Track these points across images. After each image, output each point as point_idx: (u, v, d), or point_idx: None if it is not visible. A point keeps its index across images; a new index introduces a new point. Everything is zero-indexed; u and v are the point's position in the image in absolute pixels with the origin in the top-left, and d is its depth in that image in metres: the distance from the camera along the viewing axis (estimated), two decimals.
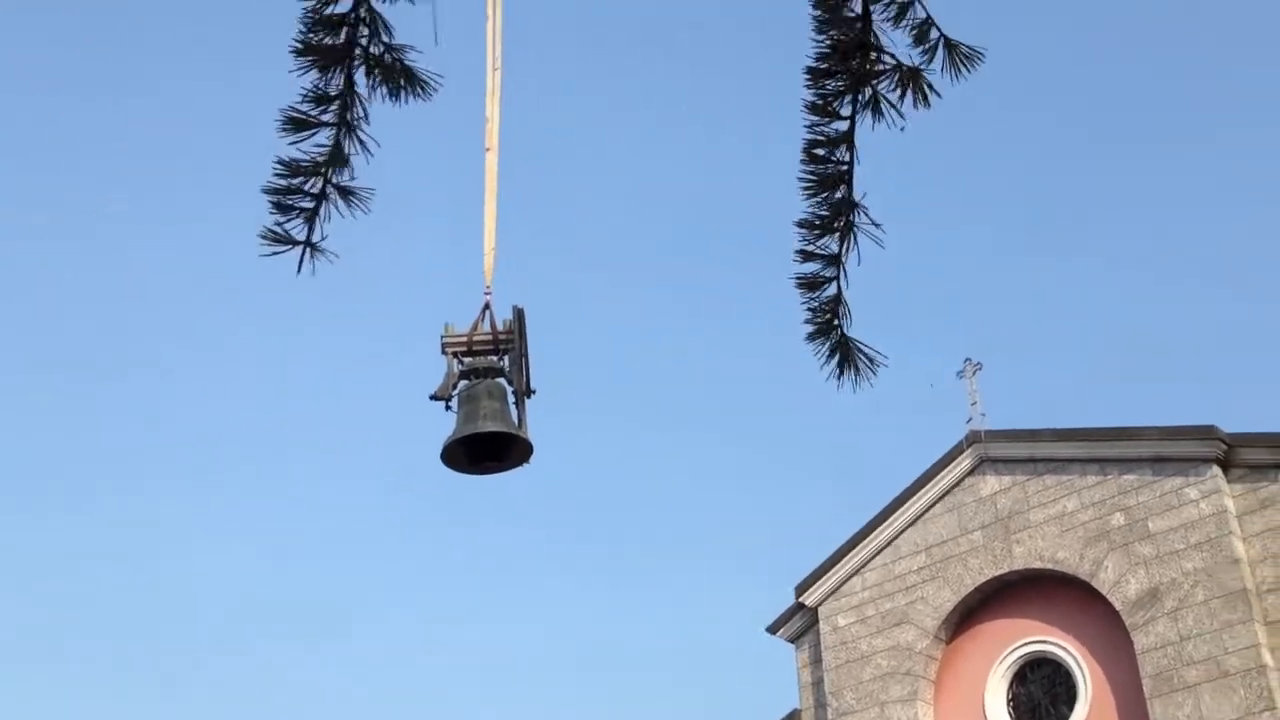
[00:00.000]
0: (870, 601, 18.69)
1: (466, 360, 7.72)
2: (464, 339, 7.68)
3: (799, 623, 19.50)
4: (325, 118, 4.30)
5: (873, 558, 18.88)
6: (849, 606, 18.87)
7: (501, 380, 7.69)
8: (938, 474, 18.58)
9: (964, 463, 18.39)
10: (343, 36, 4.36)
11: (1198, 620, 15.56)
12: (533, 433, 8.08)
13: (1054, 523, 17.23)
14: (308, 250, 4.37)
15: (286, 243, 4.27)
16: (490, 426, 7.53)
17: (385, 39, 4.40)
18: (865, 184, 4.36)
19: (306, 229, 4.30)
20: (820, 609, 19.10)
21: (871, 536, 18.95)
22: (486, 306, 7.86)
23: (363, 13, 4.31)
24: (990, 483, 18.16)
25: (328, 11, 4.27)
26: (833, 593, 19.07)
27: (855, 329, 4.48)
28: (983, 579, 17.67)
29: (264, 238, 4.25)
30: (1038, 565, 17.21)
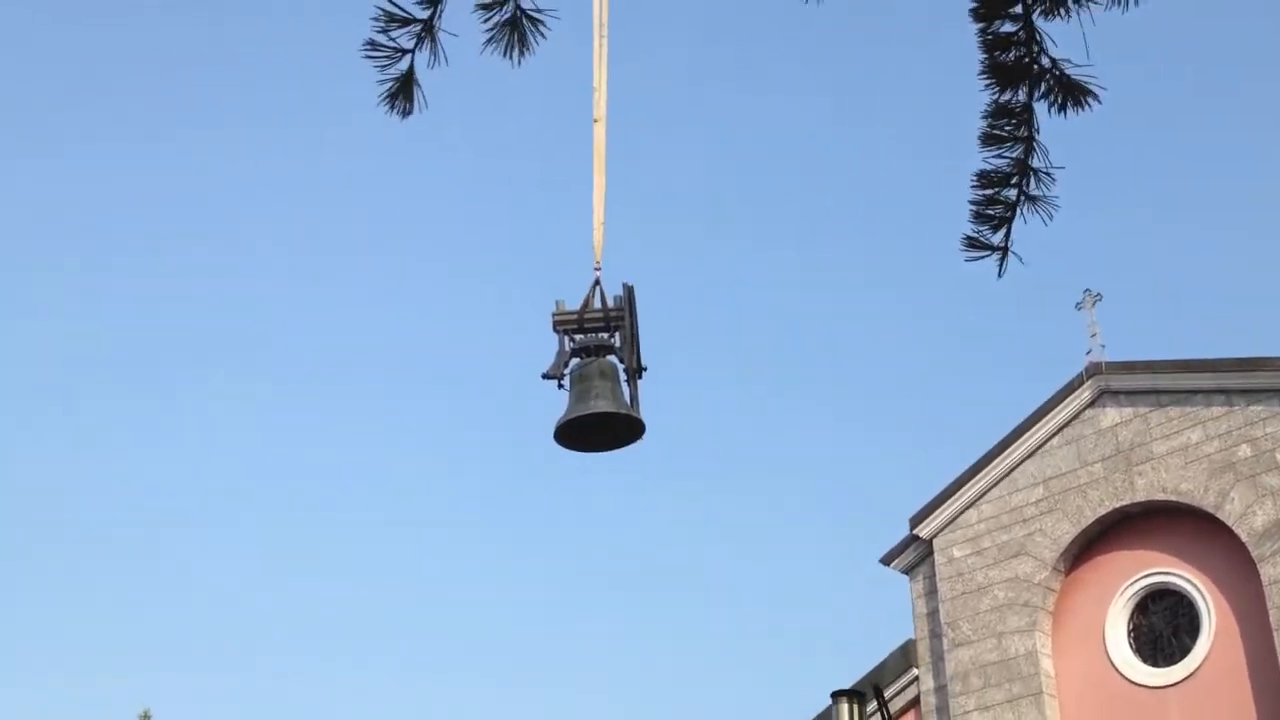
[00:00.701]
0: (986, 534, 18.74)
1: (578, 338, 7.73)
2: (575, 316, 7.67)
3: (913, 554, 19.59)
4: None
5: (989, 490, 18.89)
6: (964, 539, 18.93)
7: (613, 358, 7.72)
8: (1056, 406, 18.52)
9: (1083, 395, 18.31)
10: None
11: None
12: (644, 406, 8.13)
13: (1177, 455, 17.14)
14: (1004, 255, 4.72)
15: (985, 249, 4.57)
16: (602, 406, 7.57)
17: None
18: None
19: (1003, 236, 4.58)
20: (935, 540, 19.18)
21: (988, 469, 18.94)
22: (597, 283, 7.83)
23: None
24: (1110, 415, 18.07)
25: None
26: (948, 525, 19.12)
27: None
28: (1103, 511, 17.64)
29: (964, 246, 4.58)
30: (1160, 497, 17.16)
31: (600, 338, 7.71)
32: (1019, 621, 17.91)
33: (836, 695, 5.84)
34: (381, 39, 4.67)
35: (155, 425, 66.46)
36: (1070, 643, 17.63)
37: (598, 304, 7.78)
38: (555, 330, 7.75)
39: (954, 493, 19.19)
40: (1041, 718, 17.14)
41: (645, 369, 7.93)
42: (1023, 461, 18.73)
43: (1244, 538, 16.18)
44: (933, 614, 19.06)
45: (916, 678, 18.96)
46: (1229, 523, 16.38)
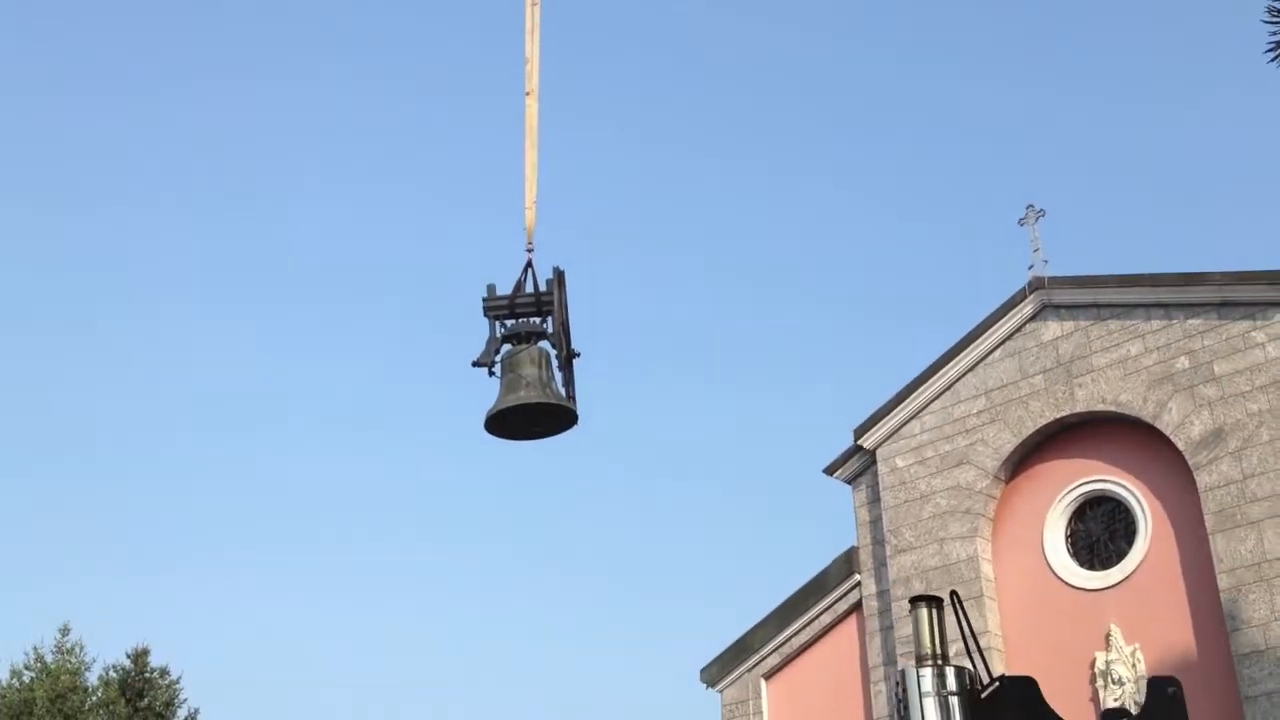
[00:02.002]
0: (929, 444, 19.16)
1: (509, 324, 7.57)
2: (506, 301, 7.53)
3: (856, 464, 19.98)
4: None
5: (931, 401, 19.30)
6: (908, 448, 19.34)
7: (545, 344, 7.55)
8: (999, 320, 18.91)
9: (1026, 308, 18.71)
10: None
11: (1262, 459, 16.08)
12: (580, 385, 7.88)
13: (1117, 367, 17.64)
14: None
15: None
16: (531, 397, 7.38)
17: None
18: None
19: None
20: (878, 451, 19.57)
21: (931, 381, 19.34)
22: (529, 265, 7.61)
23: None
24: (1052, 328, 18.51)
25: None
26: (891, 435, 19.52)
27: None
28: (1043, 421, 18.12)
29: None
30: (1100, 408, 17.66)
31: (531, 323, 7.53)
32: (960, 528, 18.40)
33: (915, 600, 5.90)
34: None
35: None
36: (1010, 548, 18.17)
37: (529, 288, 7.57)
38: (486, 315, 7.55)
39: (897, 404, 19.57)
40: (982, 620, 17.68)
41: (578, 354, 7.75)
42: (965, 374, 19.13)
43: (1181, 446, 16.74)
44: (875, 522, 19.50)
45: (859, 583, 19.43)
46: (1167, 432, 16.93)
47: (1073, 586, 17.28)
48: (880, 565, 19.16)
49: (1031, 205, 19.26)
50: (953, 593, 6.68)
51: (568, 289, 7.72)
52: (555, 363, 7.64)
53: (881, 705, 18.45)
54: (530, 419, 7.62)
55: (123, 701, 36.32)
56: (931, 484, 18.90)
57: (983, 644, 17.44)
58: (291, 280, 64.85)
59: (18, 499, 60.71)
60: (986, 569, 18.12)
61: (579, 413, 7.67)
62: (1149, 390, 17.25)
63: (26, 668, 36.28)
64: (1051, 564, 17.61)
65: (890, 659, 18.53)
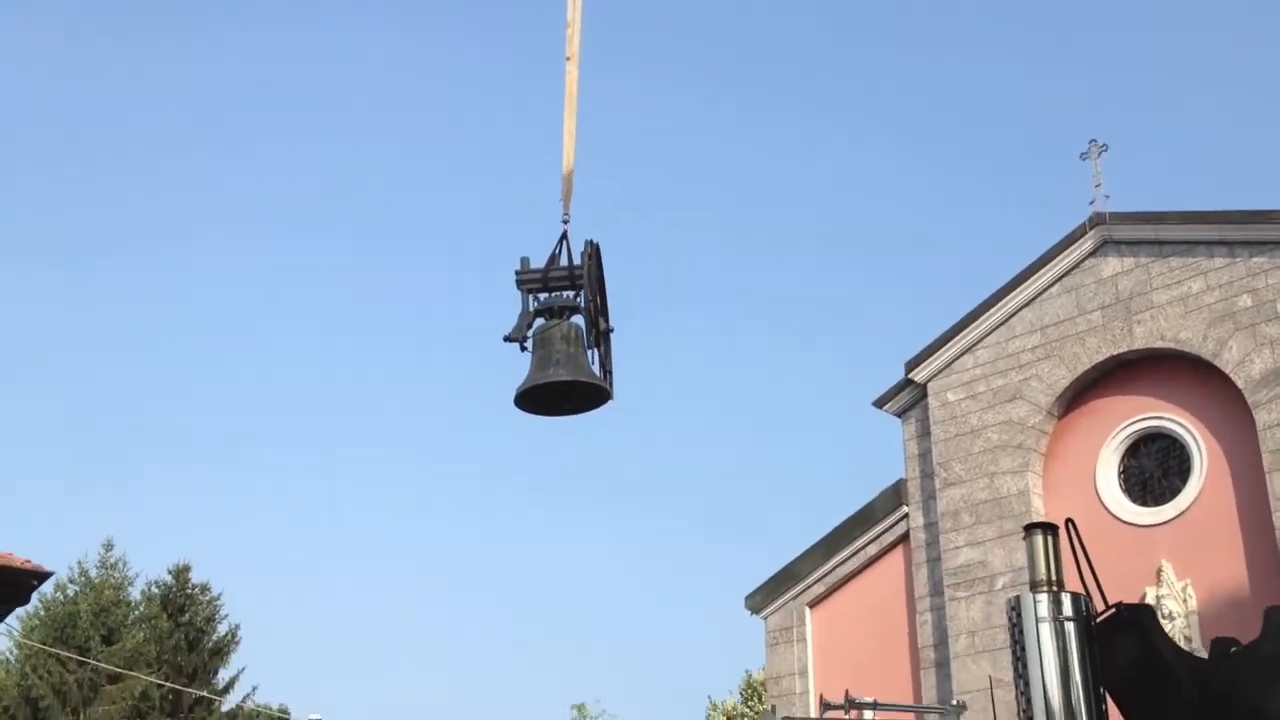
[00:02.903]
0: (982, 378, 19.12)
1: (542, 297, 7.40)
2: (539, 275, 7.35)
3: (906, 397, 19.96)
4: None
5: (986, 336, 19.23)
6: (960, 383, 19.30)
7: (577, 320, 7.36)
8: (1058, 255, 18.77)
9: (1085, 244, 18.56)
10: None
11: None
12: (618, 356, 7.69)
13: (1178, 304, 17.51)
14: None
15: None
16: (562, 375, 7.22)
17: None
18: None
19: None
20: (930, 384, 19.54)
21: (985, 316, 19.25)
22: (564, 237, 7.44)
23: None
24: (1112, 264, 18.37)
25: None
26: (943, 369, 19.47)
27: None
28: (1100, 358, 18.04)
29: None
30: (1159, 345, 17.56)
31: (565, 297, 7.37)
32: (1011, 463, 18.40)
33: (1030, 528, 5.89)
34: None
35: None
36: (1061, 483, 18.18)
37: (564, 261, 7.41)
38: (519, 289, 7.43)
39: (950, 338, 19.50)
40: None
41: (612, 329, 7.61)
42: (1021, 309, 19.03)
43: (1240, 384, 16.66)
44: (924, 455, 19.51)
45: (906, 515, 19.49)
46: (1226, 370, 16.84)
47: (1124, 522, 17.28)
48: (929, 498, 19.20)
49: (1094, 140, 19.06)
50: (1068, 521, 6.67)
51: (604, 262, 7.60)
52: (587, 339, 7.47)
53: (927, 635, 18.58)
54: (562, 395, 7.47)
55: (164, 616, 36.85)
56: (983, 418, 18.88)
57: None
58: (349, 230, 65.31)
59: (63, 418, 61.43)
60: (1037, 503, 18.14)
61: (613, 389, 7.58)
62: (1209, 328, 17.13)
63: (71, 582, 36.83)
64: (1104, 499, 17.61)
65: (937, 590, 18.62)
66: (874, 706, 6.57)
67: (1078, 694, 6.44)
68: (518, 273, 7.43)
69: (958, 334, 19.42)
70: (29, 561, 19.46)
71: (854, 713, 6.30)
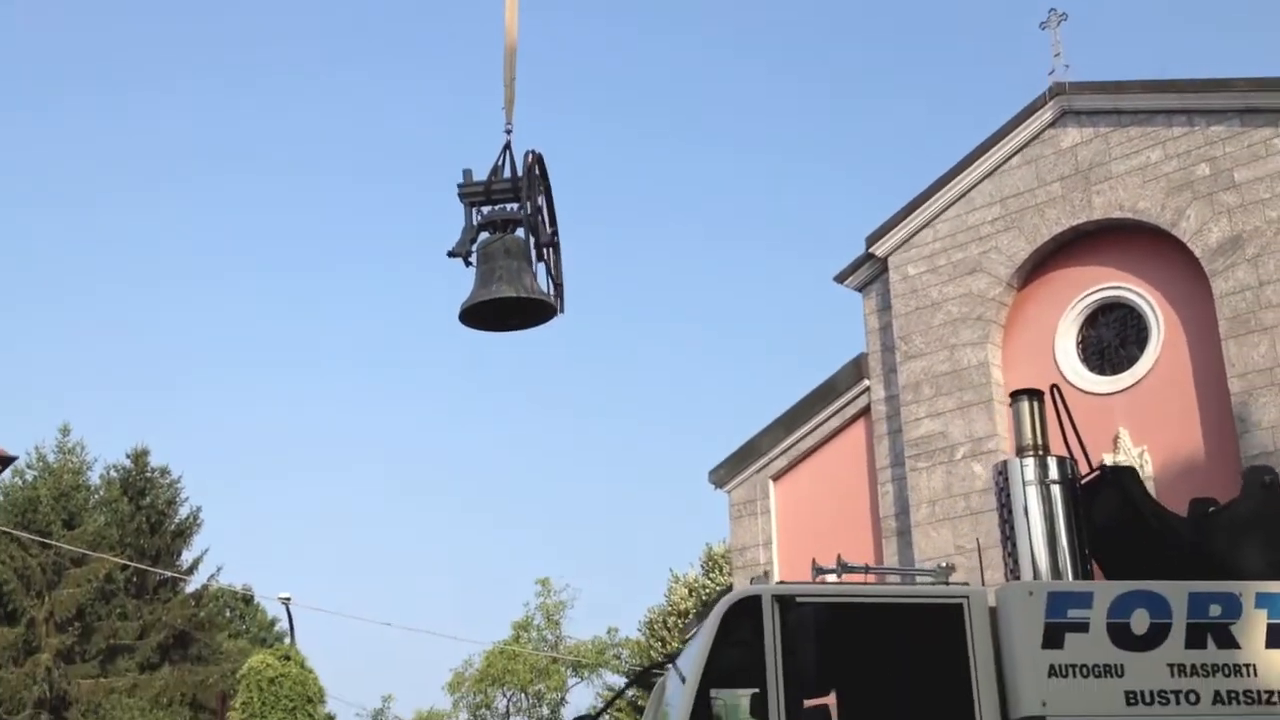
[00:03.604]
0: (942, 251, 19.23)
1: (485, 210, 7.31)
2: (481, 187, 7.26)
3: (867, 272, 20.07)
4: None
5: (946, 209, 19.29)
6: (920, 256, 19.41)
7: (520, 233, 7.27)
8: (1017, 126, 18.78)
9: (1045, 115, 18.57)
10: None
11: (1279, 266, 16.23)
12: (567, 267, 7.46)
13: (1136, 174, 17.62)
14: None
15: None
16: (503, 291, 7.14)
17: None
18: None
19: None
20: (890, 259, 19.64)
21: (945, 189, 19.29)
22: (507, 147, 7.35)
23: None
24: (1071, 135, 18.41)
25: None
26: (903, 243, 19.56)
27: None
28: (1059, 229, 18.17)
29: None
30: (1117, 215, 17.71)
31: (507, 210, 7.25)
32: (971, 334, 18.62)
33: (1016, 394, 6.00)
34: None
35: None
36: (1020, 354, 18.43)
37: (506, 172, 7.30)
38: (462, 202, 7.29)
39: (910, 212, 19.56)
40: (991, 424, 18.05)
41: (554, 241, 7.47)
42: (981, 181, 19.09)
43: (1198, 253, 16.87)
44: (885, 329, 19.70)
45: (868, 389, 19.74)
46: (1184, 239, 17.03)
47: (1082, 391, 17.56)
48: (890, 371, 19.42)
49: (1054, 9, 18.95)
50: (1053, 386, 6.84)
51: (549, 172, 7.39)
52: (532, 251, 7.33)
53: (889, 504, 18.95)
54: (507, 311, 7.38)
55: (125, 499, 36.88)
56: (943, 291, 19.04)
57: (990, 447, 17.90)
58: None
59: (16, 302, 60.53)
60: (996, 374, 18.40)
61: (563, 301, 7.41)
62: (1168, 197, 17.28)
63: (29, 467, 36.67)
64: (1062, 369, 17.88)
65: (898, 461, 18.95)
66: (865, 570, 6.75)
67: (1064, 554, 6.69)
68: (460, 185, 7.29)
69: (918, 208, 19.47)
70: None
71: (847, 576, 6.47)
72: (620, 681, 42.52)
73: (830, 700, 6.51)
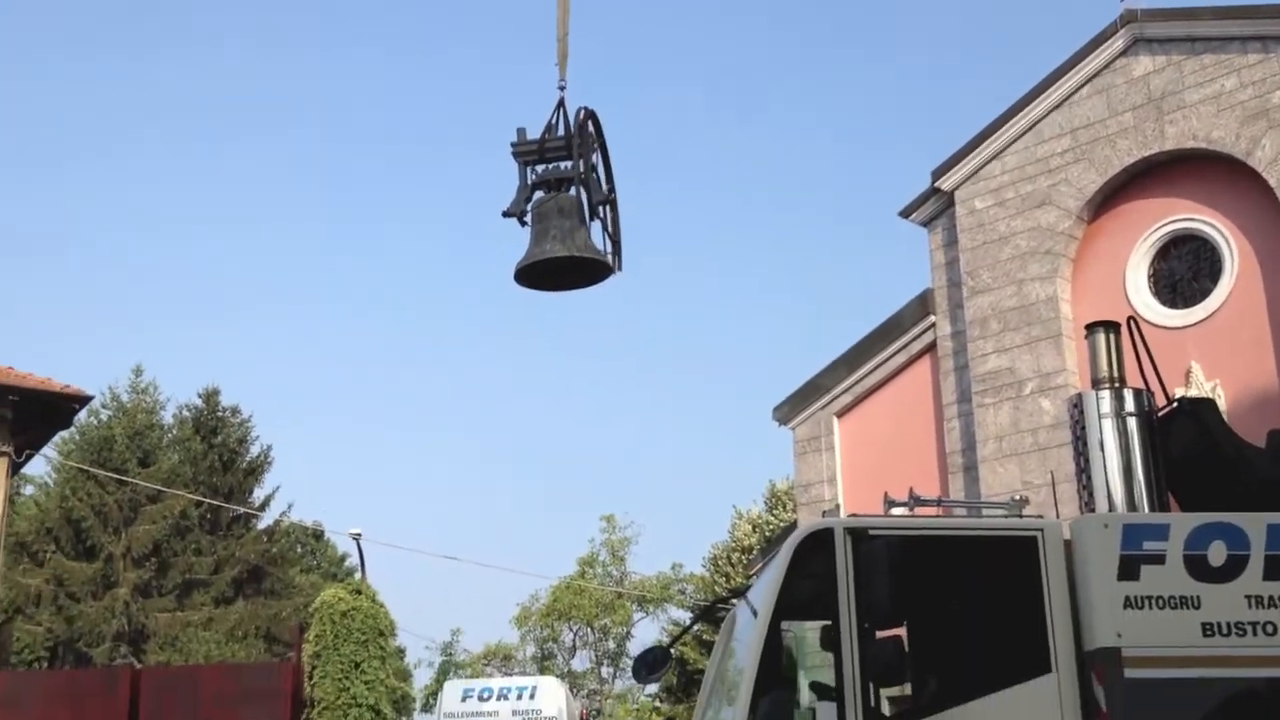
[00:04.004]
0: (1010, 184, 18.98)
1: (540, 170, 7.26)
2: (535, 146, 7.21)
3: (933, 206, 19.87)
4: None
5: (1013, 142, 19.01)
6: (987, 190, 19.17)
7: (574, 192, 7.20)
8: (1087, 56, 18.42)
9: (1116, 43, 18.19)
10: None
11: None
12: (625, 224, 7.30)
13: (1210, 102, 17.25)
14: None
15: None
16: (556, 251, 7.08)
17: None
18: None
19: None
20: (957, 192, 19.41)
21: (1013, 121, 18.99)
22: (560, 104, 7.27)
23: None
24: (1143, 63, 18.04)
25: None
26: (970, 176, 19.32)
27: None
28: (1130, 160, 17.86)
29: None
30: (1190, 145, 17.36)
31: (561, 168, 7.19)
32: (1040, 269, 18.40)
33: (1091, 326, 5.96)
34: None
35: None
36: (1090, 288, 18.20)
37: (560, 130, 7.23)
38: (516, 161, 7.24)
39: (978, 145, 19.30)
40: (1059, 359, 17.88)
41: (610, 198, 7.37)
42: (1050, 112, 18.77)
43: (1273, 183, 16.52)
44: (951, 264, 19.52)
45: (933, 324, 19.60)
46: (1259, 169, 16.68)
47: (1154, 325, 17.31)
48: (956, 307, 19.27)
49: None
50: (1130, 318, 6.77)
51: (604, 128, 7.28)
52: (587, 209, 7.26)
53: (955, 440, 18.88)
54: (563, 270, 7.33)
55: (197, 439, 37.54)
56: (1011, 225, 18.81)
57: (1059, 383, 17.75)
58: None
59: (91, 247, 61.48)
60: (1065, 309, 18.21)
61: (620, 258, 7.33)
62: (1242, 126, 16.91)
63: (104, 407, 37.39)
64: (1133, 303, 17.63)
65: (965, 397, 18.85)
66: (937, 503, 6.75)
67: (1140, 487, 6.65)
68: (513, 144, 7.25)
69: (985, 140, 19.21)
70: (69, 386, 19.80)
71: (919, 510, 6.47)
72: (685, 617, 42.89)
73: (902, 632, 6.54)
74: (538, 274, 7.33)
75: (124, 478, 33.41)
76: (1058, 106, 18.70)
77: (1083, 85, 18.51)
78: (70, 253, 71.42)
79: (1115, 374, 6.58)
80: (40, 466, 37.80)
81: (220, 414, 38.37)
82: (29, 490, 38.59)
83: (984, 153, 19.22)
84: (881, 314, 20.43)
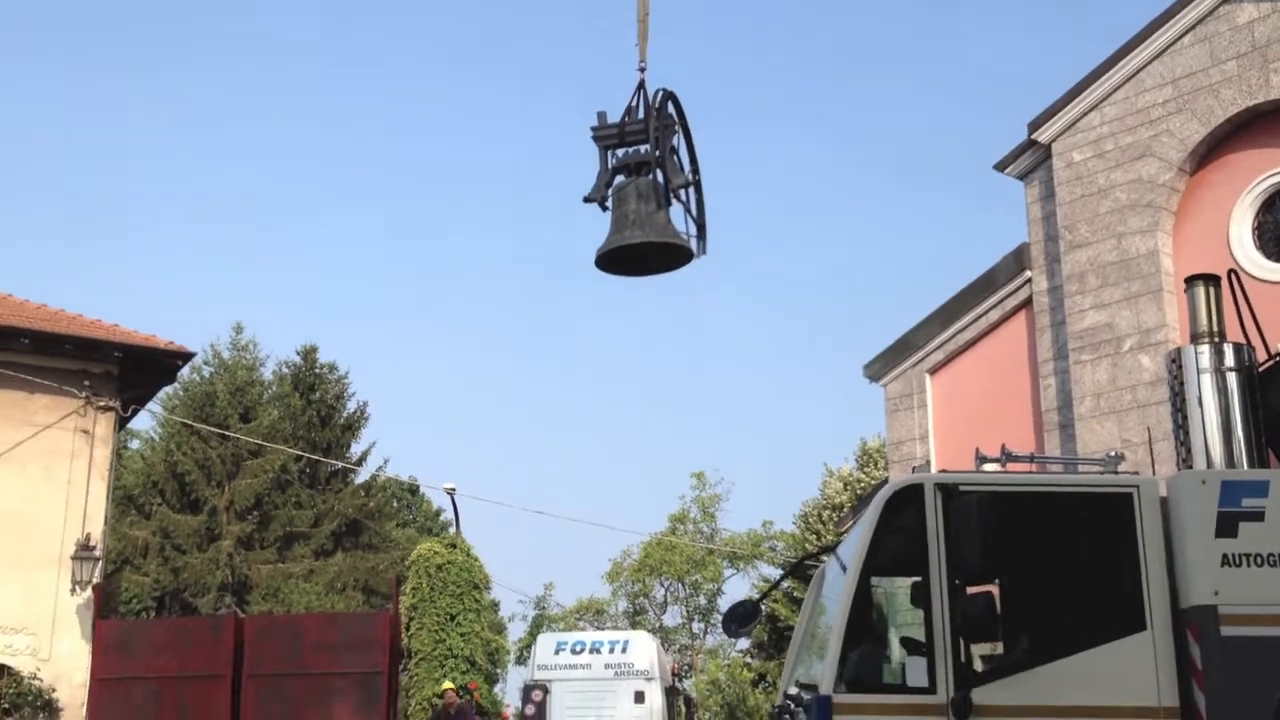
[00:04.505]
0: (1109, 136, 18.59)
1: (620, 154, 7.23)
2: (615, 130, 7.18)
3: (1029, 159, 19.52)
4: None
5: (1113, 92, 18.59)
6: (1086, 141, 18.79)
7: (654, 176, 7.17)
8: (1189, 3, 17.91)
9: None
10: None
11: None
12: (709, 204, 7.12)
13: None
14: None
15: None
16: (633, 238, 7.07)
17: None
18: None
19: None
20: (1054, 145, 19.05)
21: (1112, 71, 18.56)
22: (640, 86, 7.26)
23: None
24: (1248, 10, 17.50)
25: None
26: (1068, 128, 18.94)
27: None
28: (1234, 109, 17.38)
29: None
30: None
31: (640, 152, 7.14)
32: (1140, 222, 18.03)
33: (1191, 280, 5.86)
34: None
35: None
36: (1192, 242, 17.79)
37: (641, 113, 7.19)
38: (596, 145, 7.22)
39: (1076, 96, 18.90)
40: (1160, 314, 17.53)
41: (690, 181, 7.26)
42: (1150, 62, 18.31)
43: None
44: (1049, 218, 19.19)
45: (1029, 280, 19.31)
46: None
47: (1258, 279, 16.88)
48: (1053, 262, 18.96)
49: None
50: (1231, 271, 6.62)
51: (685, 110, 7.16)
52: (666, 191, 7.18)
53: (1051, 398, 18.63)
54: (643, 255, 7.30)
55: (296, 395, 38.28)
56: (1110, 177, 18.43)
57: (1159, 339, 17.41)
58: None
59: (189, 207, 62.77)
60: (1166, 263, 17.83)
61: (704, 239, 7.25)
62: None
63: (205, 364, 38.27)
64: (1236, 256, 17.21)
65: (1062, 354, 18.57)
66: (1030, 459, 6.69)
67: (1239, 443, 6.53)
68: (593, 129, 7.21)
69: (1083, 91, 18.80)
70: (171, 343, 20.31)
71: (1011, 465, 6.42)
72: (775, 573, 42.95)
73: (993, 589, 6.52)
74: (618, 260, 7.31)
75: (226, 433, 34.21)
76: (1158, 56, 18.23)
77: (1184, 34, 18.03)
78: (173, 216, 72.99)
79: (1215, 328, 6.46)
80: (146, 422, 38.87)
81: (318, 371, 39.05)
82: (135, 445, 39.67)
83: (1082, 104, 18.82)
84: (976, 270, 20.15)
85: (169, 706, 16.60)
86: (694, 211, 7.29)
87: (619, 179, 7.27)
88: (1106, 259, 18.20)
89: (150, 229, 70.53)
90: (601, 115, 7.22)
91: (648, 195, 7.10)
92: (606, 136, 7.19)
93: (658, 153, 7.09)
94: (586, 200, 7.18)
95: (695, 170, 7.31)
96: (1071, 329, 18.35)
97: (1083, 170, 18.74)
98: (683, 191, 7.25)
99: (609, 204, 7.23)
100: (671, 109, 7.13)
